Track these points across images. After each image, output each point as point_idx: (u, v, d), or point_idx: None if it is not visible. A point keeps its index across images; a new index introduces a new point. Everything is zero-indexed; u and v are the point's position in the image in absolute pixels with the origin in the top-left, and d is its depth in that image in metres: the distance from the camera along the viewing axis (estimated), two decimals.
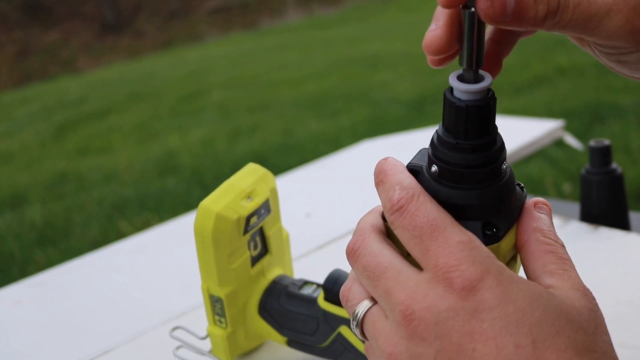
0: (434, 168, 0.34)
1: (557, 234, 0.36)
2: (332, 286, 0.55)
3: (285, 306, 0.58)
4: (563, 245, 0.35)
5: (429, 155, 0.35)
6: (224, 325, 0.58)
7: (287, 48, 7.05)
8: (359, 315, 0.36)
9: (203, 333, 0.61)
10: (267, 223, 0.58)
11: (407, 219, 0.33)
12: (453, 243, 0.32)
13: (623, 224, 0.77)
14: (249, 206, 0.55)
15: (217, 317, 0.58)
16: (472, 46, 0.32)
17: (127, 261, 0.88)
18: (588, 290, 0.34)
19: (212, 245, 0.54)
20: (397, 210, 0.34)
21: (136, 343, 0.68)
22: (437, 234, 0.33)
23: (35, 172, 4.06)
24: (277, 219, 0.60)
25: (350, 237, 0.37)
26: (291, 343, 0.58)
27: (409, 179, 0.35)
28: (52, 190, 3.65)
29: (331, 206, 0.95)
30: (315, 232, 0.85)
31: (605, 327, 0.33)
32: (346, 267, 0.37)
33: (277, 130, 3.98)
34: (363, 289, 0.36)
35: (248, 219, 0.55)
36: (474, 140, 0.33)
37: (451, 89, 0.33)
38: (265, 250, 0.60)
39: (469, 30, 0.32)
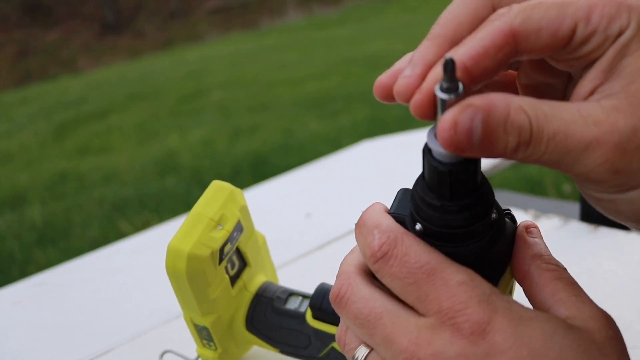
0: (418, 226, 0.32)
1: (553, 255, 0.34)
2: (320, 303, 0.53)
3: (273, 321, 0.56)
4: (565, 269, 0.33)
5: (411, 211, 0.32)
6: (213, 347, 0.56)
7: (287, 48, 7.06)
8: None
9: (193, 351, 0.60)
10: (241, 241, 0.55)
11: (396, 267, 0.31)
12: (454, 285, 0.30)
13: (623, 224, 0.77)
14: (221, 236, 0.51)
15: (205, 342, 0.56)
16: None
17: (127, 261, 0.88)
18: (606, 314, 0.31)
19: (189, 284, 0.51)
20: (382, 257, 0.31)
21: (136, 343, 0.68)
22: (434, 277, 0.30)
23: (35, 172, 4.07)
24: (251, 231, 0.57)
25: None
26: (285, 352, 0.57)
27: (388, 221, 0.32)
28: (52, 190, 3.65)
29: (331, 206, 0.95)
30: (315, 232, 0.85)
31: (627, 354, 0.31)
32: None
33: (277, 130, 3.98)
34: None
35: (221, 249, 0.52)
36: (460, 201, 0.30)
37: (429, 149, 0.30)
38: (243, 264, 0.57)
39: (443, 112, 0.29)
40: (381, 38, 6.41)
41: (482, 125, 0.28)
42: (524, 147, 0.29)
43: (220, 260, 0.53)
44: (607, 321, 0.31)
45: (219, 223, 0.52)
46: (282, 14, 10.47)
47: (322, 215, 0.92)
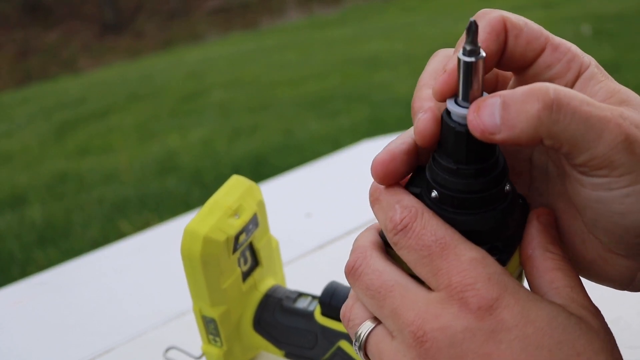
0: (434, 193, 0.33)
1: (560, 244, 0.34)
2: (329, 300, 0.53)
3: (280, 321, 0.56)
4: (568, 259, 0.34)
5: (427, 179, 0.33)
6: (219, 344, 0.56)
7: (287, 48, 7.05)
8: (362, 337, 0.34)
9: (199, 344, 0.60)
10: (256, 237, 0.56)
11: (414, 239, 0.32)
12: (465, 260, 0.31)
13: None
14: (237, 224, 0.53)
15: (211, 337, 0.56)
16: (468, 87, 0.31)
17: (127, 261, 0.88)
18: (597, 309, 0.32)
19: (202, 269, 0.52)
20: (401, 230, 0.32)
21: (136, 343, 0.68)
22: (448, 252, 0.31)
23: (35, 172, 4.06)
24: (266, 230, 0.58)
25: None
26: (290, 355, 0.57)
27: (408, 197, 0.33)
28: (52, 190, 3.65)
29: (331, 206, 0.95)
30: (315, 232, 0.85)
31: (618, 347, 0.32)
32: (343, 275, 0.36)
33: (277, 130, 3.98)
34: (365, 309, 0.35)
35: (236, 237, 0.53)
36: (475, 165, 0.32)
37: (448, 111, 0.32)
38: (255, 263, 0.58)
39: (465, 76, 0.31)
40: (381, 38, 6.41)
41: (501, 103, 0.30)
42: (547, 111, 0.29)
43: (235, 249, 0.53)
44: (598, 314, 0.32)
45: (236, 212, 0.53)
46: (282, 14, 10.46)
47: (322, 215, 0.92)
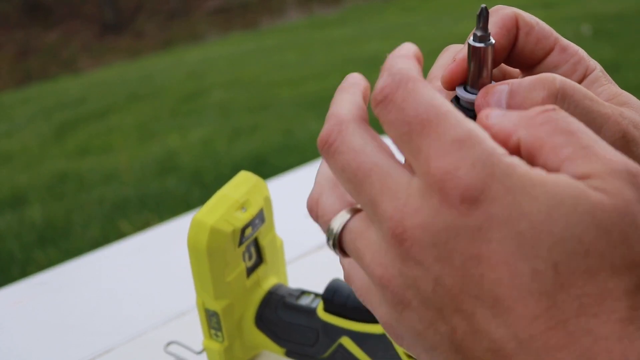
0: None
1: None
2: (332, 297, 0.54)
3: (283, 318, 0.57)
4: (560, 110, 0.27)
5: None
6: (220, 339, 0.57)
7: (287, 48, 7.05)
8: (335, 231, 0.29)
9: (199, 343, 0.60)
10: (261, 233, 0.57)
11: (394, 113, 0.27)
12: (447, 141, 0.25)
13: None
14: (244, 217, 0.53)
15: (213, 331, 0.57)
16: (477, 73, 0.32)
17: (127, 261, 0.88)
18: (636, 168, 0.24)
19: (207, 259, 0.52)
20: (382, 101, 0.27)
21: (136, 343, 0.68)
22: (429, 129, 0.26)
23: (35, 172, 4.07)
24: (271, 227, 0.59)
25: None
26: (290, 354, 0.57)
27: (403, 64, 0.28)
28: (52, 190, 3.65)
29: None
30: (315, 232, 0.85)
31: None
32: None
33: (277, 131, 3.98)
34: (337, 197, 0.30)
35: (243, 230, 0.54)
36: None
37: (457, 98, 0.33)
38: (260, 260, 0.58)
39: (475, 62, 0.32)
40: (381, 38, 6.41)
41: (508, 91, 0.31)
42: (551, 100, 0.30)
43: (241, 242, 0.54)
44: (638, 178, 0.24)
45: (243, 206, 0.54)
46: (282, 14, 10.46)
47: None
